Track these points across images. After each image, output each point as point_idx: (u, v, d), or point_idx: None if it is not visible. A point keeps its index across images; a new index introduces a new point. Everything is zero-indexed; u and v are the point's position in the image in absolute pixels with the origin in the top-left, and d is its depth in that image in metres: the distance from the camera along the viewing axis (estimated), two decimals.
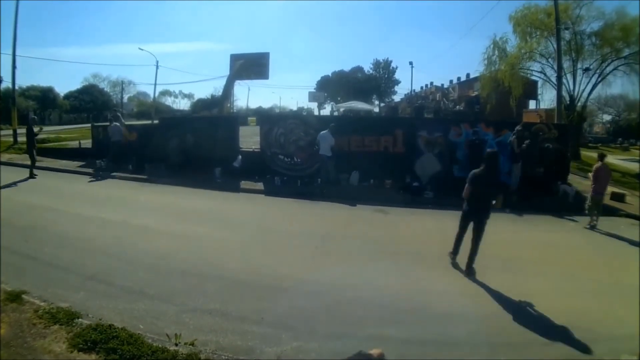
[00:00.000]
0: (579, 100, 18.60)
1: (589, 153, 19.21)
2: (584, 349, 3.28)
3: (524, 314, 3.82)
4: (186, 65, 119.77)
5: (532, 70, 20.38)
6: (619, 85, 29.95)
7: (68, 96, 50.18)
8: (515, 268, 5.08)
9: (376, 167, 10.20)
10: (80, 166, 11.90)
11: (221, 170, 10.42)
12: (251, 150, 11.73)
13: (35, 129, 10.77)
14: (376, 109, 53.17)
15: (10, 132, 17.14)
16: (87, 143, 14.32)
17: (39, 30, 77.97)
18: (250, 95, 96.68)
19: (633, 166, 16.09)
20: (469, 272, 4.67)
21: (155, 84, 38.87)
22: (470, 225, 4.87)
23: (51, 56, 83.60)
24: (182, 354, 2.90)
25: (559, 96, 15.00)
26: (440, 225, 7.18)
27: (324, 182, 9.80)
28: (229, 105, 32.60)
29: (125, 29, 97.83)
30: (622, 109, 40.12)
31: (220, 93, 34.50)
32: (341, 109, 33.28)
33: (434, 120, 17.34)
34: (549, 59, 18.85)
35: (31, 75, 77.52)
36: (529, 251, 5.79)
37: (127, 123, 13.86)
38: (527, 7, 18.99)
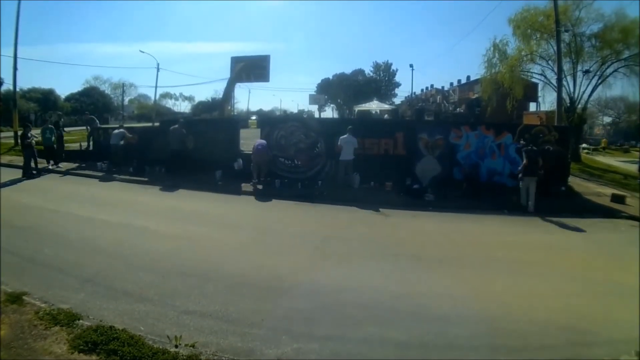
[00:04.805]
0: (579, 102, 18.59)
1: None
2: (584, 350, 3.27)
3: (523, 315, 3.80)
4: (187, 68, 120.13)
5: (532, 72, 20.41)
6: (619, 87, 29.92)
7: (69, 98, 50.23)
8: (514, 269, 5.07)
9: (377, 169, 10.22)
10: (82, 168, 11.93)
11: (222, 173, 10.43)
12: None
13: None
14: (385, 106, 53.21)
15: (12, 134, 17.16)
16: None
17: (39, 29, 78.18)
18: (250, 98, 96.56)
19: (633, 168, 16.09)
20: None
21: (156, 87, 39.44)
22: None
23: (51, 54, 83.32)
24: (182, 355, 2.90)
25: (559, 98, 15.01)
26: (440, 227, 7.20)
27: (342, 186, 9.76)
28: (229, 107, 32.59)
29: (126, 29, 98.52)
30: (622, 111, 40.21)
31: (220, 96, 34.53)
32: (356, 110, 33.62)
33: (435, 123, 17.35)
34: (549, 61, 18.86)
35: (32, 77, 77.71)
36: (529, 252, 5.78)
37: (127, 125, 13.90)
38: (527, 9, 18.98)
